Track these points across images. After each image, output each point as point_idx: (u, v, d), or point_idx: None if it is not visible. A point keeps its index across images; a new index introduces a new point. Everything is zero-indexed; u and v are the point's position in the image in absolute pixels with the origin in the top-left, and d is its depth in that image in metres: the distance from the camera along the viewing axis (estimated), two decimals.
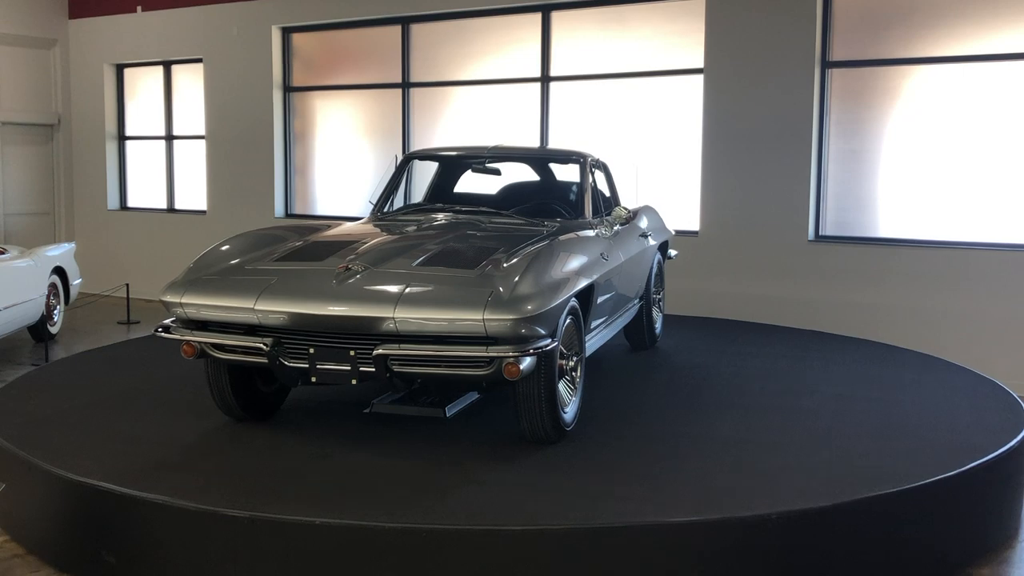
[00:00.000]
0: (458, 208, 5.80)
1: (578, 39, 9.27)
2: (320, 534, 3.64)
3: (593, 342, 5.31)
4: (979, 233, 7.88)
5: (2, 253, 8.76)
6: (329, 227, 5.59)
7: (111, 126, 13.04)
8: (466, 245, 4.85)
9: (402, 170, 6.27)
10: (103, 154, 12.99)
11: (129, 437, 4.73)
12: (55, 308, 9.53)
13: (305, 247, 4.94)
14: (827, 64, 8.40)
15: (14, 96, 12.74)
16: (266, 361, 4.35)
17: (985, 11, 7.81)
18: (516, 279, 4.19)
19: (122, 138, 13.16)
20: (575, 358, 4.70)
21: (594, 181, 6.07)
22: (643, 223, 6.53)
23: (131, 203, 13.21)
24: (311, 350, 4.30)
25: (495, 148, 6.24)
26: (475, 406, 5.02)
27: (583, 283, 4.67)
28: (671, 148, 9.10)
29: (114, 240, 12.89)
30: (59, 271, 9.56)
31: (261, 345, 4.31)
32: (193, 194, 12.47)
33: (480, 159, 6.17)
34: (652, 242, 6.56)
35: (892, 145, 8.29)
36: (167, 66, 12.59)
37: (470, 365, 4.15)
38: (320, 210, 11.51)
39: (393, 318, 4.12)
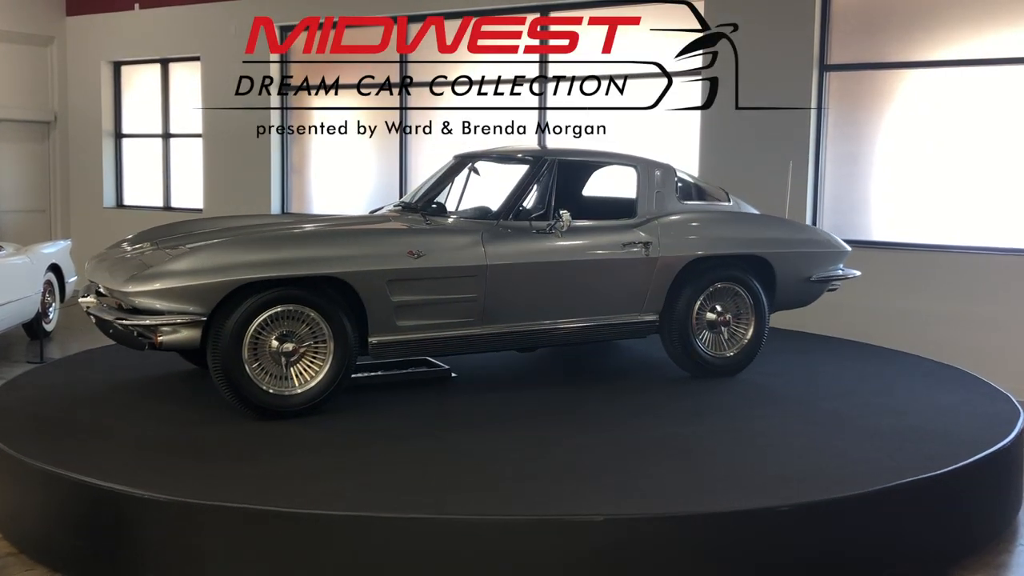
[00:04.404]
0: (403, 206, 6.11)
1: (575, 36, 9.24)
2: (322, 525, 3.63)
3: (448, 341, 5.27)
4: (976, 237, 7.88)
5: None
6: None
7: (108, 123, 13.01)
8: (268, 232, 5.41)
9: (453, 171, 6.26)
10: (99, 151, 12.96)
11: (124, 434, 4.72)
12: (50, 305, 9.51)
13: (200, 233, 5.60)
14: (825, 67, 8.40)
15: (11, 93, 12.71)
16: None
17: (983, 15, 7.82)
18: (168, 259, 4.86)
19: (119, 136, 13.12)
20: (292, 344, 4.85)
21: (550, 182, 5.81)
22: (665, 233, 5.80)
23: (127, 201, 13.18)
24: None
25: (494, 150, 6.29)
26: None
27: (294, 272, 4.83)
28: (669, 149, 9.08)
29: (110, 238, 12.74)
30: (55, 268, 9.54)
31: (87, 299, 5.26)
32: (189, 192, 12.43)
33: (516, 159, 6.16)
34: (660, 255, 5.73)
35: (889, 148, 8.29)
36: (164, 64, 12.57)
37: (152, 331, 4.75)
38: (316, 209, 11.48)
39: (100, 286, 5.15)
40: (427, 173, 6.73)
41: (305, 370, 4.94)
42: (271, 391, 4.85)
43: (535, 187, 5.81)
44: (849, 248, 6.66)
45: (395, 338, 5.13)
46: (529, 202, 5.80)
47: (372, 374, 5.63)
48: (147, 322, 4.68)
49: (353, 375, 5.43)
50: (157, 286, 4.71)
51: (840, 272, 6.56)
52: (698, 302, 5.89)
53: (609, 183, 6.68)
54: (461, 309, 5.27)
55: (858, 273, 6.73)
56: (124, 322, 4.76)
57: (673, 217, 5.96)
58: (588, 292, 5.67)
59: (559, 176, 5.81)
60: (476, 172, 6.13)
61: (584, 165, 6.61)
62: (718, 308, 5.96)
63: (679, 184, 6.24)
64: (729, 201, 6.46)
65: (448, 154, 6.76)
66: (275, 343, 4.83)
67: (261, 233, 5.32)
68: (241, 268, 4.76)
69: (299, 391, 4.90)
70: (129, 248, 5.51)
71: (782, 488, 4.06)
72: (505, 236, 5.43)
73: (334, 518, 3.69)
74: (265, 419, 4.82)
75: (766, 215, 6.72)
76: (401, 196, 6.92)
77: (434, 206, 5.93)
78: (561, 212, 5.51)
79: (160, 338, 4.68)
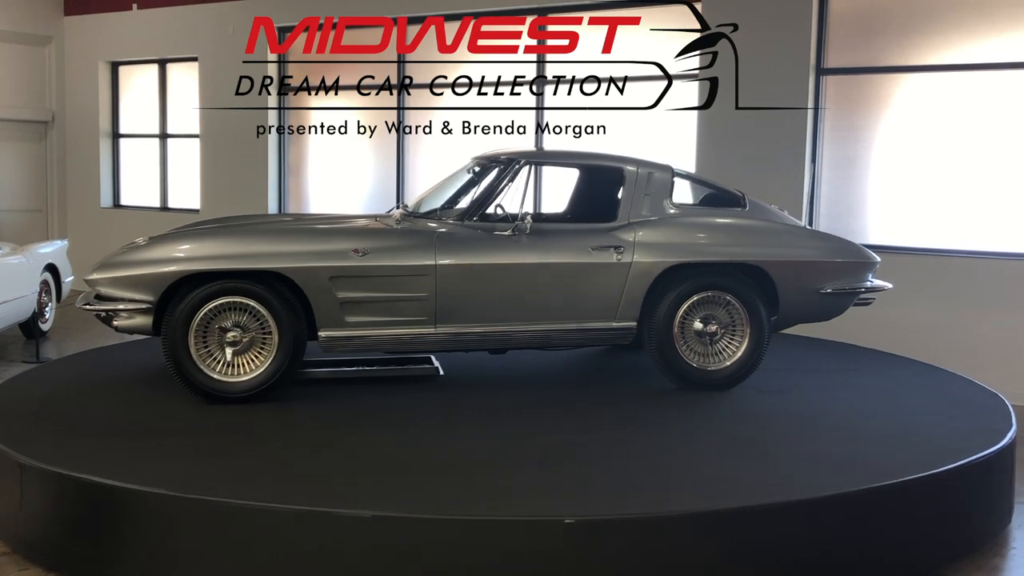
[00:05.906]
0: (404, 206, 6.22)
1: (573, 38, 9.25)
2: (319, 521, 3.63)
3: (395, 339, 5.35)
4: (972, 241, 7.89)
5: None
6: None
7: (105, 123, 13.02)
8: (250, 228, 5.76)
9: (466, 172, 6.21)
10: (97, 151, 12.97)
11: (119, 433, 4.72)
12: (47, 305, 9.49)
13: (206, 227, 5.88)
14: (822, 71, 8.42)
15: (8, 93, 12.71)
16: None
17: (980, 19, 7.84)
18: (128, 251, 5.26)
19: (116, 136, 13.12)
20: (237, 331, 5.15)
21: (521, 184, 5.80)
22: (643, 237, 5.55)
23: (124, 201, 13.18)
24: None
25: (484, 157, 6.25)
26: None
27: (235, 266, 5.12)
28: (669, 149, 9.09)
29: (107, 238, 12.80)
30: (51, 268, 9.53)
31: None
32: (186, 193, 12.43)
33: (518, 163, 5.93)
34: (635, 260, 5.50)
35: (885, 152, 8.31)
36: (162, 64, 12.57)
37: (110, 316, 5.17)
38: (313, 210, 11.47)
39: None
40: (426, 173, 6.74)
41: (252, 359, 5.20)
42: (216, 377, 5.15)
43: (506, 189, 5.70)
44: (877, 259, 6.10)
45: (345, 333, 5.28)
46: (501, 203, 5.68)
47: (355, 368, 5.79)
48: (107, 307, 5.13)
49: (337, 368, 5.80)
50: (112, 275, 5.16)
51: (866, 284, 6.02)
52: (680, 311, 5.59)
53: (605, 185, 6.65)
54: (412, 308, 5.33)
55: (889, 286, 6.19)
56: (88, 307, 5.19)
57: (655, 221, 5.68)
58: (550, 296, 5.49)
59: (534, 178, 5.79)
60: (478, 173, 6.13)
61: (568, 167, 6.60)
62: (709, 318, 5.65)
63: (694, 188, 6.17)
64: (745, 207, 6.01)
65: (447, 154, 6.79)
66: (221, 332, 5.15)
67: (216, 228, 5.64)
68: (186, 261, 5.14)
69: (244, 379, 5.17)
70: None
71: (774, 488, 4.06)
72: (461, 237, 5.42)
73: (328, 515, 3.69)
74: (213, 404, 5.11)
75: (776, 223, 6.09)
76: (399, 196, 6.90)
77: (444, 206, 5.96)
78: (525, 214, 5.47)
79: (116, 322, 5.15)
